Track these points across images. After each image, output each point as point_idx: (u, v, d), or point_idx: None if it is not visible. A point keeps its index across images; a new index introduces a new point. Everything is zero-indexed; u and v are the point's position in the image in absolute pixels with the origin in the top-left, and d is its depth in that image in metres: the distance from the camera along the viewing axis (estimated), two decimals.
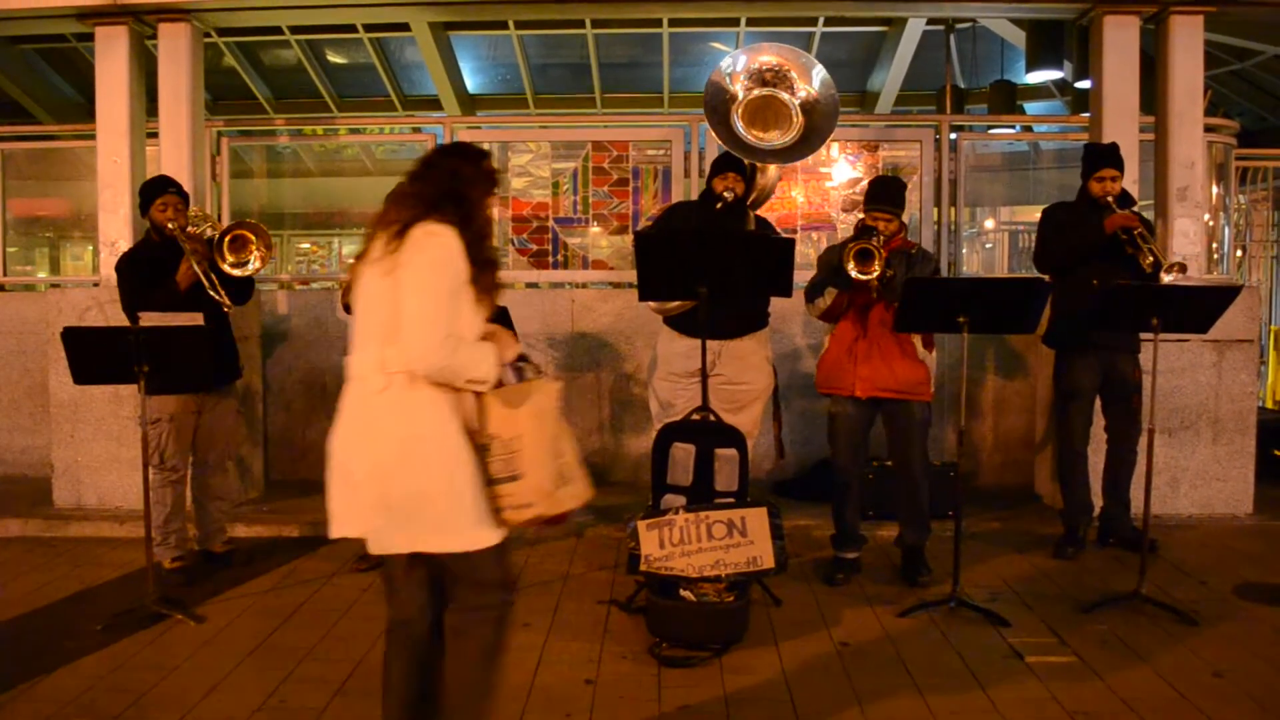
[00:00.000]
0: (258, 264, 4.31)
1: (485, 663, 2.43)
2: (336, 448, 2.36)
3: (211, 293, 4.19)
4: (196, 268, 4.18)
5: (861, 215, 4.20)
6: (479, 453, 2.30)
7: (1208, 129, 5.76)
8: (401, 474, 2.27)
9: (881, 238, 4.00)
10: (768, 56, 4.26)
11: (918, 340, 4.13)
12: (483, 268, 2.34)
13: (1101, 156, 4.53)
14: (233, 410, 4.62)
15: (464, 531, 2.31)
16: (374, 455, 2.29)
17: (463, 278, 2.30)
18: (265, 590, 4.19)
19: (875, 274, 3.90)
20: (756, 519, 3.54)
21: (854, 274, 3.92)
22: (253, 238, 4.29)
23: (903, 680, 3.23)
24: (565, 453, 2.38)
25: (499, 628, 2.44)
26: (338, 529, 2.36)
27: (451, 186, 2.36)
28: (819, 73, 4.29)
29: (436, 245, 2.27)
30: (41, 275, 9.09)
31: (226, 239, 4.27)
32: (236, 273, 4.29)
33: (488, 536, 2.33)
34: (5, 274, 6.54)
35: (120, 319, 4.41)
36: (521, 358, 2.47)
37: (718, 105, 4.22)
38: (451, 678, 2.42)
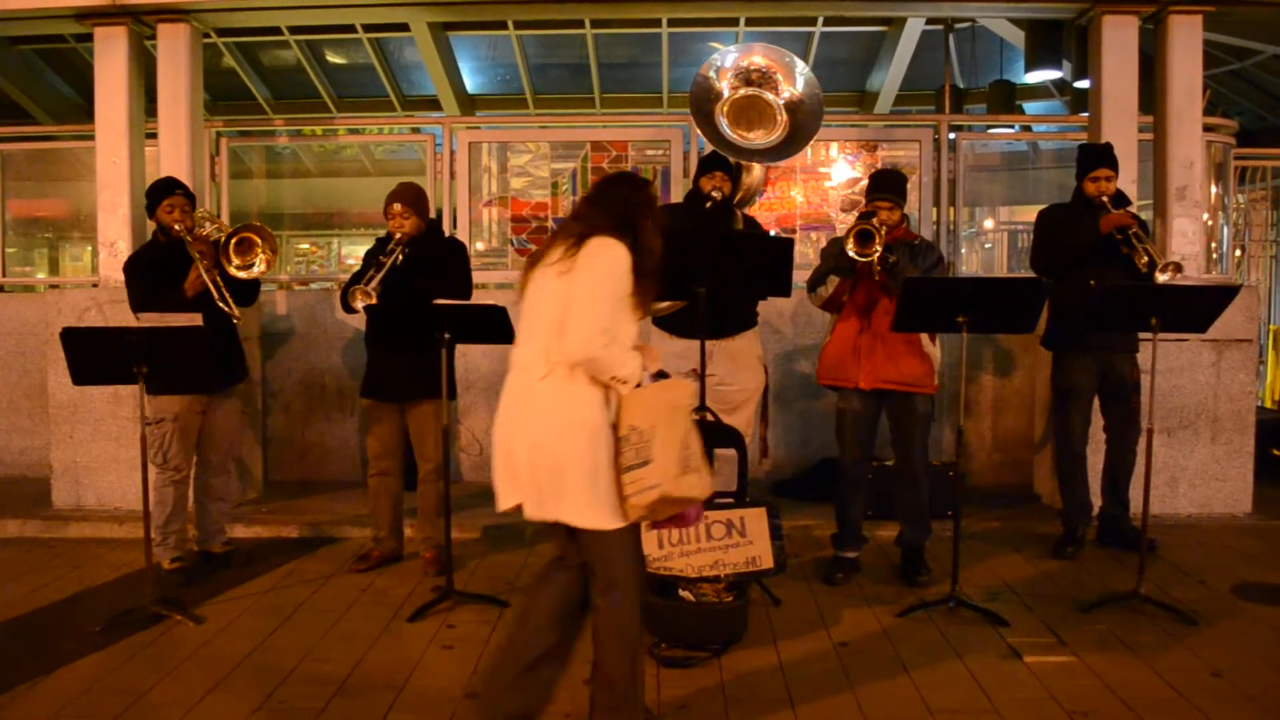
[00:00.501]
0: (263, 267, 4.33)
1: (623, 641, 2.67)
2: (499, 428, 2.67)
3: (221, 304, 4.21)
4: (205, 276, 4.19)
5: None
6: (618, 444, 2.55)
7: (1206, 128, 5.76)
8: (553, 453, 2.55)
9: (883, 227, 4.00)
10: (758, 58, 4.28)
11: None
12: (643, 282, 2.65)
13: (1096, 156, 4.53)
14: (237, 411, 4.61)
15: (598, 510, 2.56)
16: (531, 435, 2.58)
17: (626, 288, 2.60)
18: (264, 591, 4.19)
19: (875, 253, 3.91)
20: (755, 519, 3.54)
21: (854, 254, 3.92)
22: (258, 240, 4.31)
23: (902, 680, 3.23)
24: (692, 446, 2.57)
25: (628, 608, 2.66)
26: (501, 502, 2.67)
27: (623, 212, 2.68)
28: (803, 72, 4.30)
29: (609, 255, 2.59)
30: (40, 276, 9.08)
31: (233, 241, 4.29)
32: (243, 275, 4.30)
33: (615, 521, 2.57)
34: (4, 275, 6.54)
35: (120, 319, 4.42)
36: (661, 373, 2.75)
37: (703, 104, 4.24)
38: (598, 653, 2.70)
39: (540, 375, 2.59)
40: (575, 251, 2.60)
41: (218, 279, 4.23)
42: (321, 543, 4.93)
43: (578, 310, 2.54)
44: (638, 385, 2.61)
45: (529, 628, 2.71)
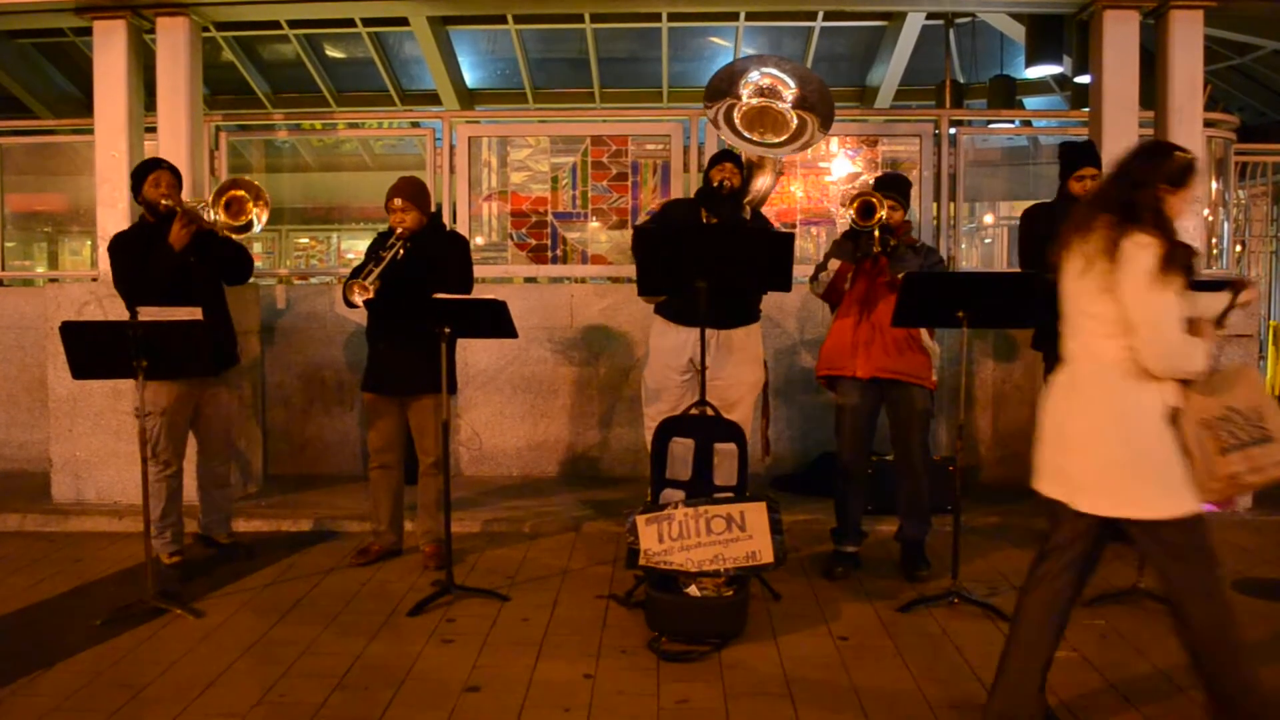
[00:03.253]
0: (262, 220, 4.25)
1: (1215, 636, 2.57)
2: (1048, 414, 2.69)
3: (207, 213, 4.13)
4: (189, 229, 4.12)
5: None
6: (1216, 426, 2.46)
7: (1207, 124, 5.75)
8: (1102, 444, 2.55)
9: (885, 205, 4.04)
10: (765, 79, 4.35)
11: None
12: (1182, 265, 2.54)
13: (1080, 155, 4.52)
14: (232, 398, 4.57)
15: (1153, 501, 2.51)
16: (1085, 424, 2.58)
17: (1172, 278, 2.49)
18: (264, 585, 4.19)
19: (879, 219, 3.98)
20: (755, 513, 3.54)
21: (856, 223, 4.01)
22: (248, 195, 4.23)
23: (902, 674, 3.24)
24: None
25: (1210, 599, 2.58)
26: (1043, 486, 2.69)
27: (1135, 199, 2.57)
28: (797, 72, 4.37)
29: (1150, 257, 2.49)
30: (40, 270, 9.08)
31: (221, 202, 4.21)
32: (237, 235, 4.24)
33: (1178, 506, 2.50)
34: (4, 269, 6.54)
35: (119, 314, 4.38)
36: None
37: (717, 103, 4.29)
38: (1194, 649, 2.60)
39: (1093, 370, 2.59)
40: (1109, 259, 2.52)
41: (206, 226, 4.19)
42: (321, 537, 4.93)
43: (1141, 326, 2.47)
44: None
45: (1033, 638, 2.73)
